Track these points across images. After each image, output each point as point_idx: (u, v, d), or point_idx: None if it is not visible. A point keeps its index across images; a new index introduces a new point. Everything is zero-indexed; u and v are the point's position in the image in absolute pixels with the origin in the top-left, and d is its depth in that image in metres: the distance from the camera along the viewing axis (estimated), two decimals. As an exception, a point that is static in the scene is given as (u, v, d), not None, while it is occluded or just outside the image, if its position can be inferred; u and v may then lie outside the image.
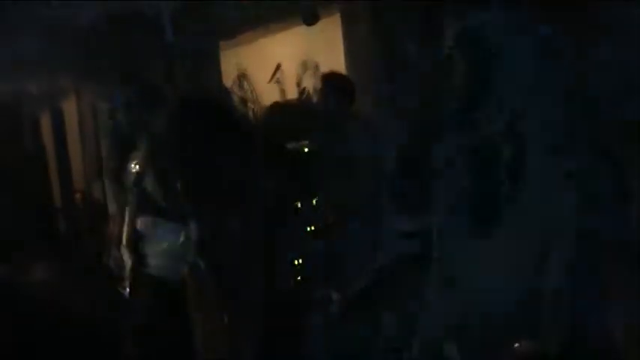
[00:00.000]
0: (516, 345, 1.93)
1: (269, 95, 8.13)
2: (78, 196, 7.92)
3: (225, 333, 3.33)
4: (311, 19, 5.78)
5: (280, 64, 8.25)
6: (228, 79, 7.87)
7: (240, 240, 3.28)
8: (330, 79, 5.59)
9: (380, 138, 5.18)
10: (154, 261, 4.27)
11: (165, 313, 3.38)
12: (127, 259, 4.31)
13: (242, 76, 8.54)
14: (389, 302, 4.19)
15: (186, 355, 3.38)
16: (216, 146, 3.26)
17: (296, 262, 6.27)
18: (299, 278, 6.23)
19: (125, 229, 4.36)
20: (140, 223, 4.34)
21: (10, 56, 5.64)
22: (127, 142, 4.57)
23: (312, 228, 6.35)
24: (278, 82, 8.32)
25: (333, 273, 5.68)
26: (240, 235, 3.28)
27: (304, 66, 8.02)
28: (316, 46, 7.60)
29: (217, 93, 4.87)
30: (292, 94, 8.09)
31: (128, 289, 3.94)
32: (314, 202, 6.41)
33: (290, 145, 6.54)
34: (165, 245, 4.24)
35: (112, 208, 4.85)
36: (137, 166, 4.04)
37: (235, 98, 8.22)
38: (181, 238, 3.92)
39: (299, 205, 6.45)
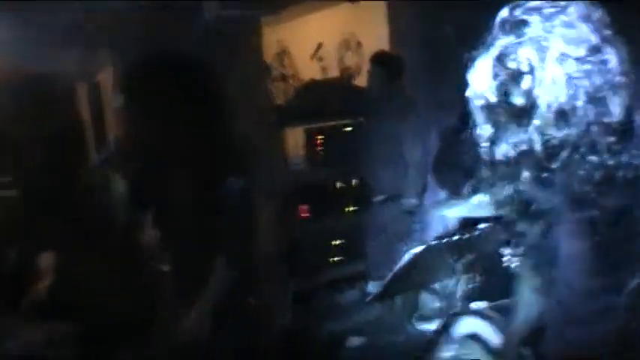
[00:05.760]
0: None
1: (310, 72, 8.04)
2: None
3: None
4: (355, -4, 5.66)
5: (322, 42, 8.15)
6: (269, 55, 7.76)
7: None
8: (378, 59, 5.49)
9: (424, 116, 5.06)
10: None
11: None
12: None
13: (283, 53, 8.45)
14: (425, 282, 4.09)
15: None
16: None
17: (335, 243, 6.21)
18: (338, 258, 6.18)
19: None
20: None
21: (48, 30, 5.59)
22: None
23: (352, 208, 6.28)
24: (319, 59, 8.22)
25: (372, 253, 5.61)
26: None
27: (346, 44, 7.91)
28: (359, 24, 7.48)
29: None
30: (333, 72, 7.99)
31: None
32: (354, 182, 6.33)
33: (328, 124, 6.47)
34: None
35: None
36: None
37: (275, 74, 8.14)
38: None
39: (338, 185, 6.38)
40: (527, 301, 2.10)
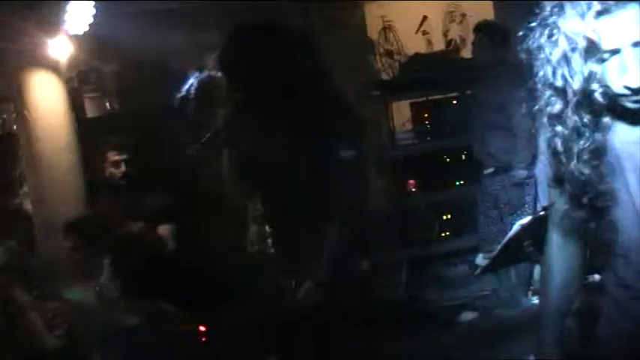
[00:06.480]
0: None
1: (415, 46, 7.97)
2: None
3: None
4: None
5: (426, 15, 8.06)
6: (374, 31, 7.73)
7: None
8: (483, 28, 5.39)
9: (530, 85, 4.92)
10: None
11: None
12: None
13: (387, 29, 8.39)
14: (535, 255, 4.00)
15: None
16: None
17: (444, 217, 6.16)
18: (447, 232, 6.13)
19: None
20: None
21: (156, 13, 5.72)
22: None
23: (461, 182, 6.21)
24: (424, 33, 8.13)
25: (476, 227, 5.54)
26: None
27: (450, 16, 7.80)
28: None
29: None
30: (439, 44, 7.89)
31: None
32: (462, 155, 6.25)
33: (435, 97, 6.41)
34: None
35: None
36: None
37: (381, 49, 8.10)
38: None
39: (446, 158, 6.31)
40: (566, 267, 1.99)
